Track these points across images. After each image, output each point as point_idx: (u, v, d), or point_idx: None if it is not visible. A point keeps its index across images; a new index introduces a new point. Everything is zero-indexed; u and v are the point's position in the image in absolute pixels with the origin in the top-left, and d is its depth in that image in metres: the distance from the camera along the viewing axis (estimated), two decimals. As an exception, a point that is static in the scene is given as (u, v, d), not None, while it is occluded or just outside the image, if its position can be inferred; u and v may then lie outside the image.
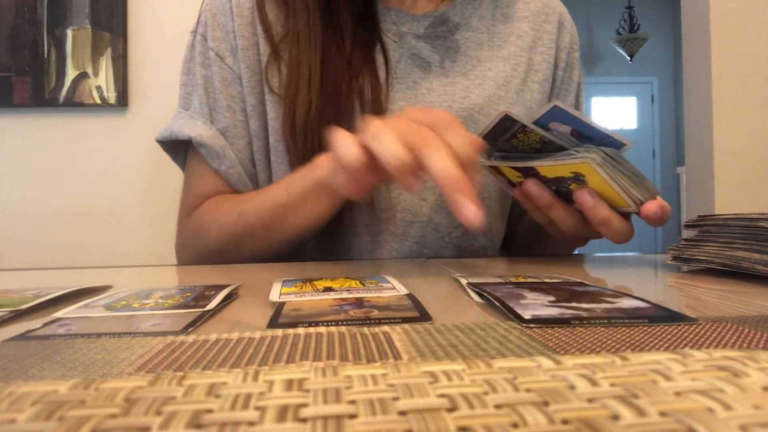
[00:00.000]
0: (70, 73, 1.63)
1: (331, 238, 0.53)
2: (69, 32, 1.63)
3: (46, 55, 1.63)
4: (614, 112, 5.12)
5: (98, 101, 1.64)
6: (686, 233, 0.41)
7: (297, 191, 0.46)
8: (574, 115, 0.37)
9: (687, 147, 1.98)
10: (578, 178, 0.38)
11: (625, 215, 0.39)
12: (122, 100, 1.64)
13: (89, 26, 1.64)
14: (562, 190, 0.40)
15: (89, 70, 1.64)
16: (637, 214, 0.39)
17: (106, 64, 1.64)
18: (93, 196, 1.66)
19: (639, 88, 5.09)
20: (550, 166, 0.38)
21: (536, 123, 0.39)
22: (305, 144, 0.51)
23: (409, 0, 0.58)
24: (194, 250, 0.55)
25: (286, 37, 0.54)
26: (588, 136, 0.38)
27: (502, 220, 0.61)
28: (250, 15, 0.56)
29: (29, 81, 1.62)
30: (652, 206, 0.36)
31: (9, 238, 1.64)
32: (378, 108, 0.53)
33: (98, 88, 1.64)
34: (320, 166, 0.44)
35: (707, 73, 1.80)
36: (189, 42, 0.58)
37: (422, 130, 0.33)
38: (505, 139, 0.42)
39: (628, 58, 4.76)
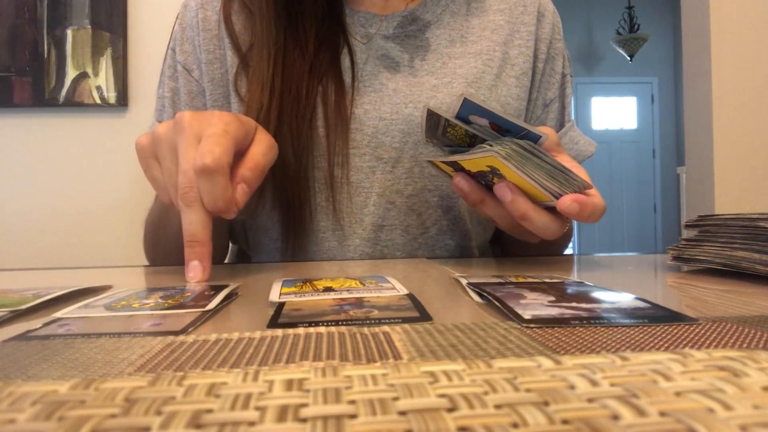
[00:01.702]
0: (70, 73, 1.63)
1: (293, 241, 0.53)
2: (69, 32, 1.63)
3: (46, 55, 1.63)
4: (614, 112, 5.12)
5: (98, 101, 1.64)
6: (686, 233, 0.41)
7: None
8: (484, 107, 0.36)
9: (687, 147, 1.98)
10: (495, 172, 0.37)
11: (555, 211, 0.38)
12: (122, 100, 1.64)
13: (89, 26, 1.64)
14: (490, 184, 0.39)
15: (89, 70, 1.64)
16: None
17: (106, 64, 1.64)
18: (93, 195, 1.66)
19: (639, 88, 5.09)
20: (468, 160, 0.37)
21: (458, 117, 0.38)
22: None
23: (380, 2, 0.57)
24: (145, 242, 0.59)
25: (253, 45, 0.54)
26: (506, 129, 0.37)
27: (480, 218, 0.59)
28: (217, 28, 0.56)
29: (29, 81, 1.62)
30: (566, 200, 0.35)
31: (9, 238, 1.64)
32: (342, 111, 0.52)
33: (98, 88, 1.64)
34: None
35: (707, 73, 1.80)
36: (165, 57, 0.60)
37: (187, 182, 0.36)
38: (441, 134, 0.42)
39: (628, 58, 4.76)
